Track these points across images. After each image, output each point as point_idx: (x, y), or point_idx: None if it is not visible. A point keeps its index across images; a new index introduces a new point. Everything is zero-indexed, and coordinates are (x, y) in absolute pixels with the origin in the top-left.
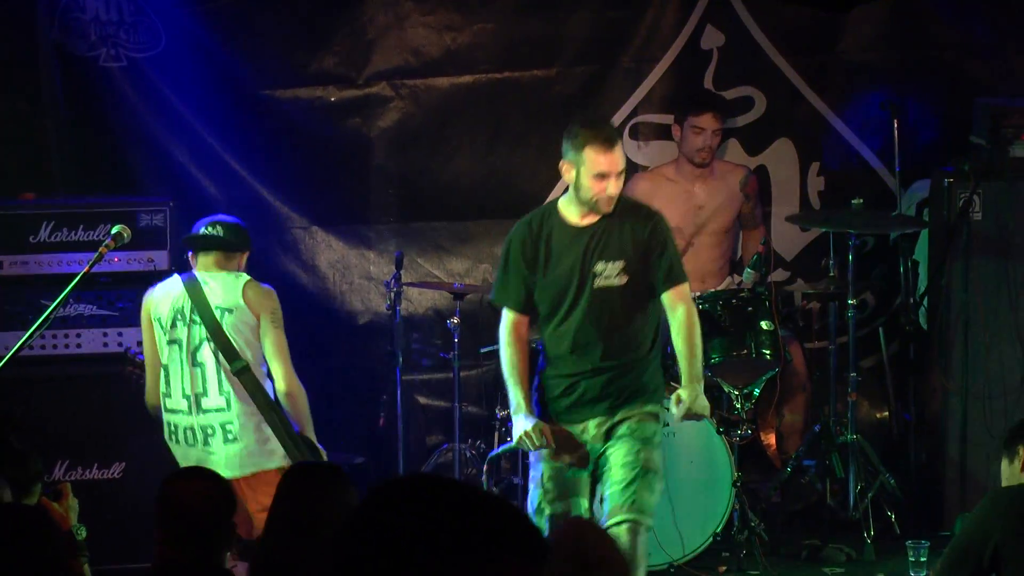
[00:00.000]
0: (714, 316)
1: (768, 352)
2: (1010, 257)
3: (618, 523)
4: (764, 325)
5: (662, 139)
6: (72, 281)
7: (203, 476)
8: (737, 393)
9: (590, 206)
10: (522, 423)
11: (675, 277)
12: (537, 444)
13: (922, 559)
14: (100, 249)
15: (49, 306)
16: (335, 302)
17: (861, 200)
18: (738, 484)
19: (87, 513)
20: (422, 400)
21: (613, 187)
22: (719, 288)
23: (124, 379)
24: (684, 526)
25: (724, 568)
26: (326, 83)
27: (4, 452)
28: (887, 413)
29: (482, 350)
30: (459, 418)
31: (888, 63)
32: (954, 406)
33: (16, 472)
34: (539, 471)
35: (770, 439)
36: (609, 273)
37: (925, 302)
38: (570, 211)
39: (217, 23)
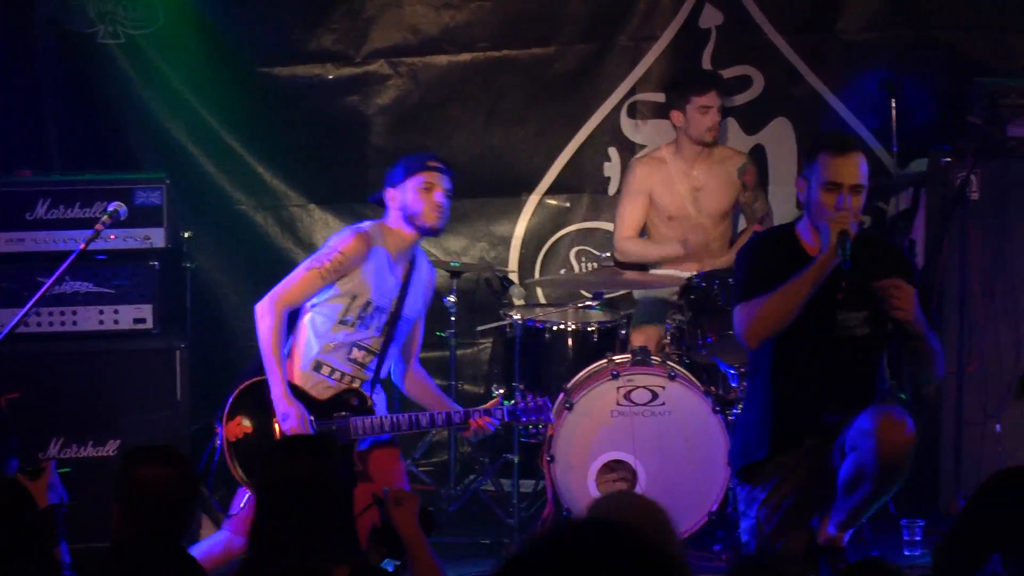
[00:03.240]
0: (711, 294)
1: None
2: (1007, 237)
3: None
4: None
5: (660, 118)
6: (68, 258)
7: (167, 455)
8: (734, 372)
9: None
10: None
11: None
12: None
13: (916, 538)
14: (96, 226)
15: (45, 283)
16: None
17: None
18: None
19: (81, 491)
20: None
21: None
22: (716, 268)
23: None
24: (679, 504)
25: (720, 547)
26: (324, 60)
27: None
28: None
29: (479, 328)
30: (456, 396)
31: (886, 42)
32: (950, 385)
33: None
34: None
35: None
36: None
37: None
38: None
39: (215, 0)
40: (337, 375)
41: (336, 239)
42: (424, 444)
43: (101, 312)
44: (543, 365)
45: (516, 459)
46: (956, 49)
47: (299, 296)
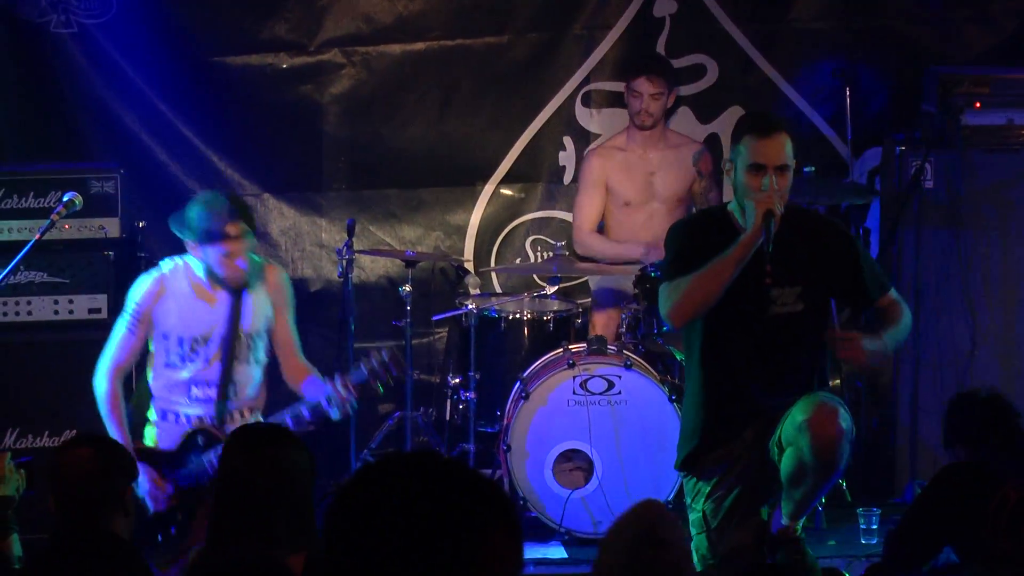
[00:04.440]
0: None
1: None
2: (961, 225)
3: None
4: None
5: (615, 106)
6: (23, 248)
7: (93, 442)
8: None
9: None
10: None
11: None
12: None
13: (873, 526)
14: (51, 216)
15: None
16: (287, 269)
17: (813, 168)
18: None
19: (37, 481)
20: None
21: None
22: None
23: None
24: (636, 493)
25: None
26: (278, 50)
27: None
28: (839, 381)
29: (435, 318)
30: (411, 386)
31: (839, 31)
32: (905, 374)
33: None
34: None
35: None
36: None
37: None
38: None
39: None
40: (184, 419)
41: (131, 290)
42: (380, 434)
43: (56, 302)
44: (499, 354)
45: (472, 448)
46: (909, 38)
47: (122, 356)
